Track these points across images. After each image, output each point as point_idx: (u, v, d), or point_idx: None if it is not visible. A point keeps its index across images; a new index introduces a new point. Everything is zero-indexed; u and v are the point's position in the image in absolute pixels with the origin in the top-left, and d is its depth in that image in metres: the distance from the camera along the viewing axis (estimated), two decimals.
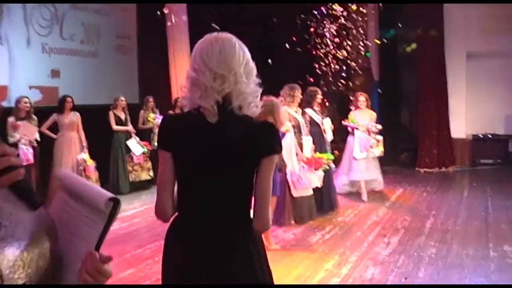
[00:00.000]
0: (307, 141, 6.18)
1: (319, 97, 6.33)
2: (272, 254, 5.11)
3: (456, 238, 5.52)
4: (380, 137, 7.55)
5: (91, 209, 1.16)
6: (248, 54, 1.81)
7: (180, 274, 1.80)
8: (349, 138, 7.63)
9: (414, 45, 10.92)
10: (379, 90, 10.59)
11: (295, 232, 5.88)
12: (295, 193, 5.98)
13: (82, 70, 8.50)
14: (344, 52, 9.86)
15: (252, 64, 1.81)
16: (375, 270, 4.58)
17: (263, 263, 1.86)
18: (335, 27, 9.67)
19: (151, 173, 8.71)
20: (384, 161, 10.09)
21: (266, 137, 1.79)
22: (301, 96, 6.30)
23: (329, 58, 9.75)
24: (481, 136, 10.79)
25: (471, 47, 10.42)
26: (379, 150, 7.48)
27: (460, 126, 10.74)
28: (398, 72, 11.68)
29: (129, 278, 4.47)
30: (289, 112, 6.20)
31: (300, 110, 6.33)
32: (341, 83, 9.76)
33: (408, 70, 11.65)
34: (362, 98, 7.61)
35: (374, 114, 7.63)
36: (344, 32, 10.25)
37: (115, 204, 1.13)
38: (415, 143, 10.99)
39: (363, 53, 11.11)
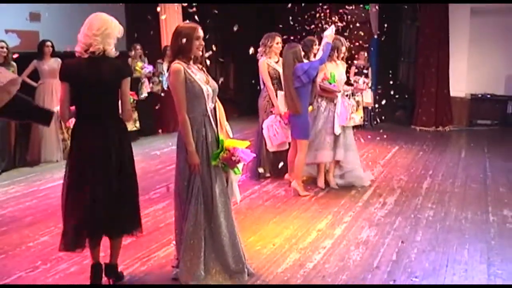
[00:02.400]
0: (281, 95, 5.79)
1: (316, 48, 5.90)
2: (262, 211, 4.96)
3: (454, 201, 5.30)
4: (359, 97, 6.21)
5: None
6: None
7: (81, 151, 3.16)
8: (322, 103, 5.63)
9: None
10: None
11: (287, 188, 5.63)
12: (270, 148, 5.75)
13: (65, 13, 7.95)
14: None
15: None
16: (371, 232, 4.36)
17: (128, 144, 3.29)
18: None
19: (137, 124, 8.35)
20: (379, 117, 9.92)
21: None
22: (278, 46, 5.88)
23: (326, 11, 9.30)
24: (480, 95, 10.47)
25: (476, 3, 9.93)
26: (359, 116, 5.78)
27: (460, 85, 10.39)
28: (398, 27, 11.19)
29: None
30: (268, 63, 5.85)
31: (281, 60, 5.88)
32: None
33: (408, 25, 11.18)
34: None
35: (345, 66, 5.94)
36: None
37: None
38: (412, 100, 10.68)
39: (362, 5, 10.70)
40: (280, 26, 7.96)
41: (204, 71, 3.30)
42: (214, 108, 3.30)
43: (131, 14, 9.27)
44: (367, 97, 9.40)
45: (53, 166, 6.99)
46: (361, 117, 5.88)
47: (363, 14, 10.55)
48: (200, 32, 3.22)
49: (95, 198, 3.10)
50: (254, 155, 3.43)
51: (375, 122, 9.92)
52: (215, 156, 3.21)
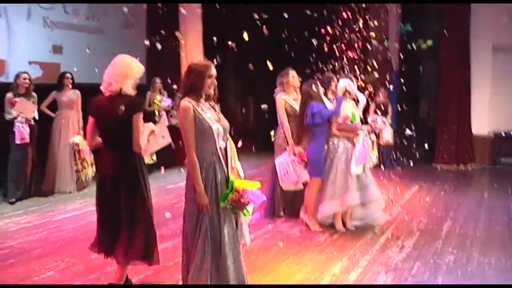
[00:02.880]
0: None
1: (334, 84, 5.83)
2: (275, 252, 4.79)
3: (476, 245, 5.06)
4: (374, 137, 6.09)
5: None
6: None
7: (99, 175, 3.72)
8: (339, 143, 5.39)
9: (430, 42, 10.29)
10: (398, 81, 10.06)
11: (302, 229, 5.47)
12: (283, 186, 5.63)
13: (86, 46, 8.08)
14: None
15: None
16: (387, 278, 4.15)
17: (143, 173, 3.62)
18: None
19: (154, 157, 8.30)
20: (400, 156, 9.70)
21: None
22: (294, 80, 5.84)
23: (345, 46, 9.28)
24: (503, 133, 10.21)
25: (498, 39, 9.81)
26: (374, 155, 5.71)
27: (482, 122, 10.15)
28: (418, 63, 11.09)
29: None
30: (285, 100, 5.78)
31: (300, 97, 5.83)
32: (358, 72, 9.24)
33: (429, 61, 11.06)
34: (343, 82, 5.51)
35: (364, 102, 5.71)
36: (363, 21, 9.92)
37: None
38: (433, 137, 10.46)
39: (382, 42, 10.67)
40: (298, 62, 7.94)
41: (215, 109, 3.24)
42: (226, 147, 3.22)
43: (152, 48, 9.38)
44: (387, 135, 9.25)
45: (67, 197, 6.98)
46: (376, 156, 5.70)
47: (380, 48, 10.51)
48: (213, 71, 3.17)
49: (104, 219, 3.61)
50: (265, 197, 3.31)
51: (394, 160, 9.70)
52: (224, 197, 3.10)
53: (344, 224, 5.50)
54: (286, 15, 7.39)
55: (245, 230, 3.27)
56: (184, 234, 3.25)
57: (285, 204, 5.90)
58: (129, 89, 3.48)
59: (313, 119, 5.23)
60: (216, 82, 3.19)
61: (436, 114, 10.65)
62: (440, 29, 10.14)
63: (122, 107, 3.40)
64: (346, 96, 5.45)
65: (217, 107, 3.27)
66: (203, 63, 3.23)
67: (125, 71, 3.47)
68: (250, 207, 3.23)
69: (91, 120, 3.58)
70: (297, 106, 5.70)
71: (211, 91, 3.19)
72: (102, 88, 3.54)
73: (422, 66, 11.01)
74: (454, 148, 9.94)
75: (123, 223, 3.51)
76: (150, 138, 3.66)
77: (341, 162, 5.34)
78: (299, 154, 5.44)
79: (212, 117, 3.16)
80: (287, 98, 5.80)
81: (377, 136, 7.59)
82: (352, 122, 5.36)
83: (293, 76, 5.85)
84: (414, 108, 10.84)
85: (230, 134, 3.33)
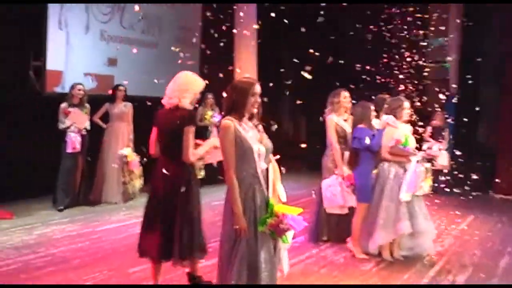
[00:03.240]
0: (348, 157, 5.49)
1: (387, 107, 5.59)
2: (316, 279, 4.54)
3: None
4: (429, 165, 5.43)
5: None
6: None
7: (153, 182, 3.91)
8: (390, 169, 5.07)
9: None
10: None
11: (346, 255, 5.23)
12: (327, 209, 5.47)
13: (139, 60, 8.26)
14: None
15: None
16: None
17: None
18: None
19: (202, 173, 8.14)
20: (455, 182, 9.20)
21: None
22: (346, 100, 5.65)
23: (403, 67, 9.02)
24: None
25: None
26: (427, 184, 5.16)
27: None
28: (478, 86, 10.58)
29: None
30: (336, 122, 5.59)
31: (351, 118, 5.64)
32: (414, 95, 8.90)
33: (490, 84, 10.53)
34: (407, 104, 5.24)
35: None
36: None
37: None
38: (492, 164, 9.88)
39: (442, 65, 10.30)
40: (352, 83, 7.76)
41: (258, 129, 3.13)
42: (267, 169, 3.09)
43: (207, 64, 9.45)
44: (443, 160, 8.82)
45: (112, 208, 7.07)
46: (430, 185, 5.34)
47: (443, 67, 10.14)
48: (257, 89, 3.06)
49: (156, 224, 3.76)
50: (306, 223, 3.15)
51: (448, 187, 9.21)
52: (262, 222, 2.97)
53: (391, 253, 5.21)
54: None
55: (283, 256, 3.12)
56: (220, 256, 3.13)
57: (329, 228, 5.68)
58: (187, 104, 3.70)
59: (357, 143, 5.07)
60: (259, 100, 3.08)
61: (496, 139, 10.08)
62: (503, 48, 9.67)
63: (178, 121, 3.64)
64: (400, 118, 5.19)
65: (260, 127, 3.16)
66: (247, 80, 3.14)
67: (186, 86, 3.71)
68: (289, 234, 3.08)
69: (154, 129, 3.85)
70: (347, 128, 5.54)
71: (255, 110, 3.08)
72: (163, 101, 3.79)
73: (482, 87, 10.50)
74: None
75: (177, 225, 3.68)
76: (214, 150, 3.79)
77: (393, 189, 5.04)
78: (348, 178, 5.25)
79: (254, 137, 3.05)
80: (338, 119, 5.64)
81: (432, 164, 7.19)
82: (404, 146, 5.09)
83: (344, 97, 5.67)
84: (472, 132, 10.31)
85: (279, 154, 3.30)
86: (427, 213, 5.28)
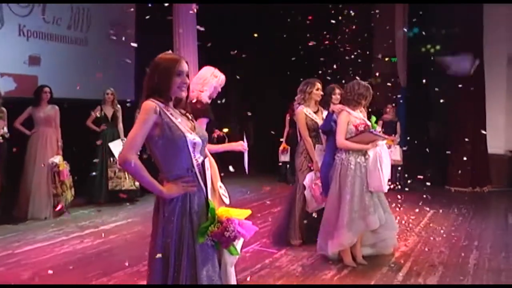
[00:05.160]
0: (320, 150, 5.04)
1: (336, 97, 5.12)
2: None
3: None
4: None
5: None
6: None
7: None
8: (350, 159, 4.53)
9: (438, 47, 9.70)
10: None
11: (303, 263, 4.66)
12: (312, 208, 5.01)
13: (67, 58, 7.41)
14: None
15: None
16: None
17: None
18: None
19: (137, 183, 7.24)
20: (410, 177, 8.90)
21: None
22: (318, 92, 5.21)
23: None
24: None
25: None
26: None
27: (498, 141, 9.40)
28: (427, 79, 10.38)
29: None
30: (306, 113, 5.13)
31: (322, 111, 5.21)
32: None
33: (439, 77, 10.35)
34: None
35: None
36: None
37: None
38: (445, 157, 9.67)
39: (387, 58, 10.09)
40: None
41: (188, 117, 2.48)
42: (204, 164, 2.44)
43: (139, 61, 8.72)
44: (396, 154, 8.50)
45: (40, 224, 6.20)
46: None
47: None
48: (184, 66, 2.40)
49: None
50: (257, 228, 2.51)
51: (404, 182, 8.90)
52: (203, 231, 2.32)
53: (353, 258, 4.67)
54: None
55: (230, 274, 2.48)
56: (148, 273, 2.44)
57: (302, 233, 5.19)
58: (205, 97, 3.68)
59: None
60: (187, 81, 2.44)
61: (448, 132, 9.89)
62: (449, 40, 9.51)
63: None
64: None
65: (190, 115, 2.50)
66: (171, 56, 2.47)
67: (206, 80, 3.74)
68: (238, 243, 2.46)
69: None
70: (319, 120, 5.12)
71: (182, 93, 2.43)
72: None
73: (432, 82, 10.33)
74: (469, 169, 9.16)
75: None
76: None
77: (355, 180, 4.45)
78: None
79: (186, 124, 2.40)
80: (308, 110, 5.18)
81: None
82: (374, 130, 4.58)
83: (317, 89, 5.21)
84: (424, 126, 10.10)
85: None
86: (387, 205, 4.79)
